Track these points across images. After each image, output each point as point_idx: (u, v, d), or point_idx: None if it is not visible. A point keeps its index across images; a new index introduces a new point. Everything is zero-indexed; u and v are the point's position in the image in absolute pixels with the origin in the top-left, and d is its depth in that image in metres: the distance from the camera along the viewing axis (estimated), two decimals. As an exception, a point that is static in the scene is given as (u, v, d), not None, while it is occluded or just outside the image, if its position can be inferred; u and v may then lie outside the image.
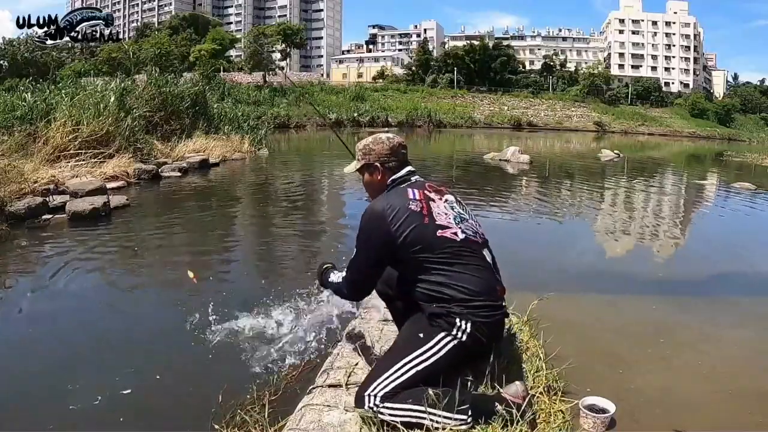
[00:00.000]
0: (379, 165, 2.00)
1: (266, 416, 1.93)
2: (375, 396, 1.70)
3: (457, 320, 1.76)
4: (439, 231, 1.83)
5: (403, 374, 1.73)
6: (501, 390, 1.78)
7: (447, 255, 1.81)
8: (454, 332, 1.76)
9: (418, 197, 1.88)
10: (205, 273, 3.82)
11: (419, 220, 1.82)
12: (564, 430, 1.82)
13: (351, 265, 1.95)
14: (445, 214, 1.89)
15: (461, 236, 1.86)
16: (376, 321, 2.58)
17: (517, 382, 1.80)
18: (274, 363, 2.46)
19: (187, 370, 2.50)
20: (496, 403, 1.72)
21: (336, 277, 2.07)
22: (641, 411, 2.06)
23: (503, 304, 1.91)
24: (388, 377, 1.72)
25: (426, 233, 1.81)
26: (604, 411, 1.91)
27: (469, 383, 1.84)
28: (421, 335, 1.79)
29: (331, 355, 2.28)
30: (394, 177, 1.98)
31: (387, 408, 1.68)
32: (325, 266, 2.20)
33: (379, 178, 2.00)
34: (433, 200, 1.91)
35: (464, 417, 1.69)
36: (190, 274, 3.30)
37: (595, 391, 2.02)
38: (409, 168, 2.01)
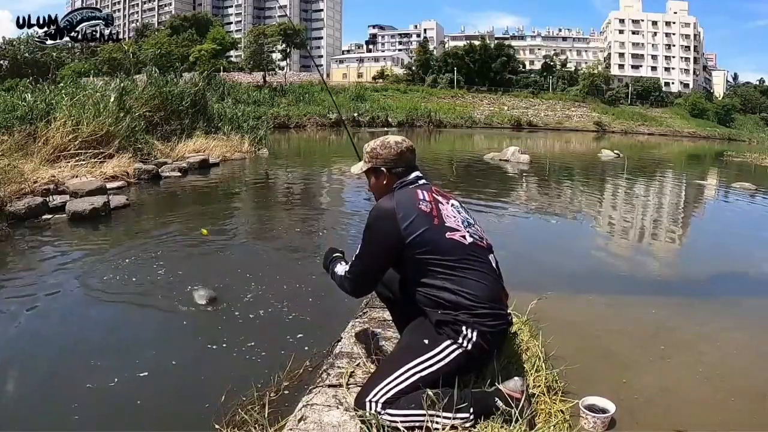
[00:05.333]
0: (385, 170, 1.98)
1: (266, 416, 1.93)
2: (377, 402, 1.69)
3: (464, 328, 1.75)
4: (449, 233, 1.82)
5: (405, 380, 1.72)
6: (500, 385, 1.77)
7: (454, 259, 1.79)
8: (460, 340, 1.75)
9: (427, 198, 1.86)
10: (206, 273, 3.81)
11: (429, 222, 1.80)
12: (564, 430, 1.82)
13: (354, 263, 1.91)
14: (454, 217, 1.89)
15: (469, 240, 1.85)
16: (377, 321, 2.58)
17: (516, 378, 1.79)
18: (274, 363, 2.46)
19: (188, 369, 2.50)
20: (496, 399, 1.72)
21: (340, 270, 2.00)
22: (641, 411, 2.05)
23: (508, 312, 1.90)
24: (390, 383, 1.71)
25: (435, 235, 1.79)
26: (604, 411, 1.91)
27: (471, 382, 1.84)
28: (427, 341, 1.78)
29: (331, 355, 2.28)
30: (400, 181, 1.96)
31: (389, 414, 1.67)
32: (335, 255, 2.12)
33: (385, 182, 1.98)
34: (442, 203, 1.90)
35: (466, 415, 1.69)
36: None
37: (595, 391, 2.01)
38: (417, 173, 1.99)
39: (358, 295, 2.11)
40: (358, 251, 1.90)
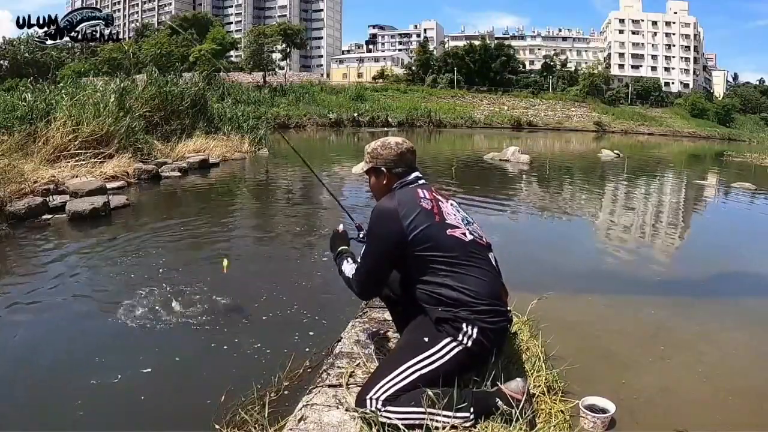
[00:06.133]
0: (385, 170, 1.99)
1: (266, 416, 1.93)
2: (377, 400, 1.69)
3: (464, 325, 1.75)
4: (449, 230, 1.83)
5: (405, 378, 1.72)
6: (501, 386, 1.78)
7: (454, 255, 1.80)
8: (460, 338, 1.75)
9: (428, 197, 1.89)
10: (206, 274, 3.82)
11: (431, 219, 1.82)
12: (564, 430, 1.82)
13: (360, 265, 1.92)
14: (454, 215, 1.91)
15: (469, 237, 1.87)
16: (377, 321, 2.58)
17: (518, 379, 1.79)
18: (274, 363, 2.46)
19: (189, 369, 2.51)
20: (497, 399, 1.73)
21: (348, 269, 2.00)
22: (641, 411, 2.05)
23: (508, 309, 1.91)
24: (390, 381, 1.72)
25: (437, 232, 1.81)
26: (604, 411, 1.91)
27: (471, 382, 1.84)
28: (426, 339, 1.78)
29: (331, 355, 2.28)
30: (400, 181, 1.98)
31: (389, 411, 1.67)
32: (341, 248, 2.12)
33: (385, 182, 2.00)
34: (441, 201, 1.93)
35: (466, 414, 1.69)
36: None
37: (595, 391, 2.02)
38: (416, 174, 2.01)
39: (367, 297, 2.12)
40: (363, 252, 1.91)
